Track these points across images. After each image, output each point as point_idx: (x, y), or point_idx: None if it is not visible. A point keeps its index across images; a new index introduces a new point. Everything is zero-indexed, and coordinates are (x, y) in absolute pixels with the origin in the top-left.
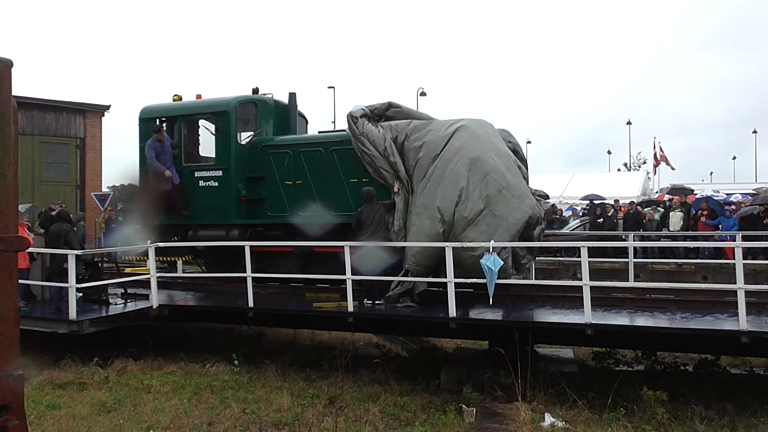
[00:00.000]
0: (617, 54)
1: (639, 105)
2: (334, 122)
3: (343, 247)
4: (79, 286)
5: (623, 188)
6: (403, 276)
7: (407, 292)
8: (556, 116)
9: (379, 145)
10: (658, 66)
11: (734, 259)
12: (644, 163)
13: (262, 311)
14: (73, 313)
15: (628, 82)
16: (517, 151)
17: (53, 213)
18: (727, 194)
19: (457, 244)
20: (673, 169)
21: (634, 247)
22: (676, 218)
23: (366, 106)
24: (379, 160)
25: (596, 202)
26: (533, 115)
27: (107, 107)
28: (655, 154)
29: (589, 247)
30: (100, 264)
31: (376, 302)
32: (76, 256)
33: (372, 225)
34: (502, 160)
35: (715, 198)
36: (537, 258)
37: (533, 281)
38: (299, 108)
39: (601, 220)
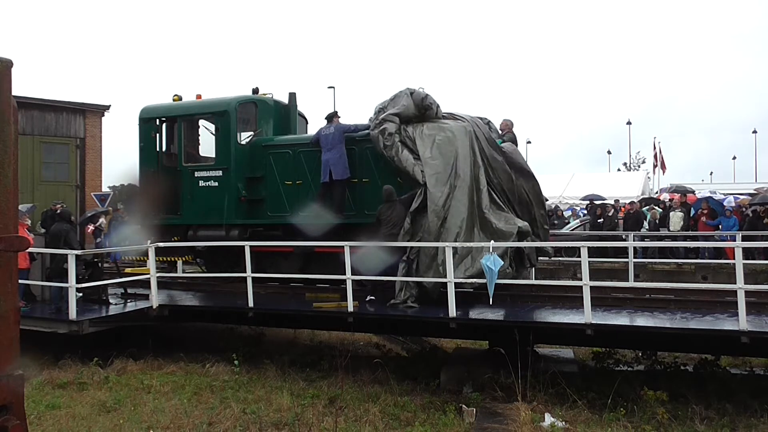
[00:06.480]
0: (618, 54)
1: (642, 106)
2: None
3: (343, 247)
4: (79, 286)
5: (623, 188)
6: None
7: (411, 291)
8: (559, 116)
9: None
10: (660, 68)
11: (734, 259)
12: (643, 162)
13: (262, 311)
14: (73, 313)
15: (630, 83)
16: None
17: (57, 213)
18: (724, 195)
19: (458, 244)
20: (663, 172)
21: (634, 247)
22: (676, 218)
23: (389, 114)
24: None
25: (596, 202)
26: (534, 114)
27: (107, 107)
28: (655, 155)
29: (589, 247)
30: (99, 264)
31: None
32: (76, 256)
33: (390, 223)
34: (490, 172)
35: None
36: (537, 258)
37: (533, 281)
38: (299, 108)
39: (601, 220)
